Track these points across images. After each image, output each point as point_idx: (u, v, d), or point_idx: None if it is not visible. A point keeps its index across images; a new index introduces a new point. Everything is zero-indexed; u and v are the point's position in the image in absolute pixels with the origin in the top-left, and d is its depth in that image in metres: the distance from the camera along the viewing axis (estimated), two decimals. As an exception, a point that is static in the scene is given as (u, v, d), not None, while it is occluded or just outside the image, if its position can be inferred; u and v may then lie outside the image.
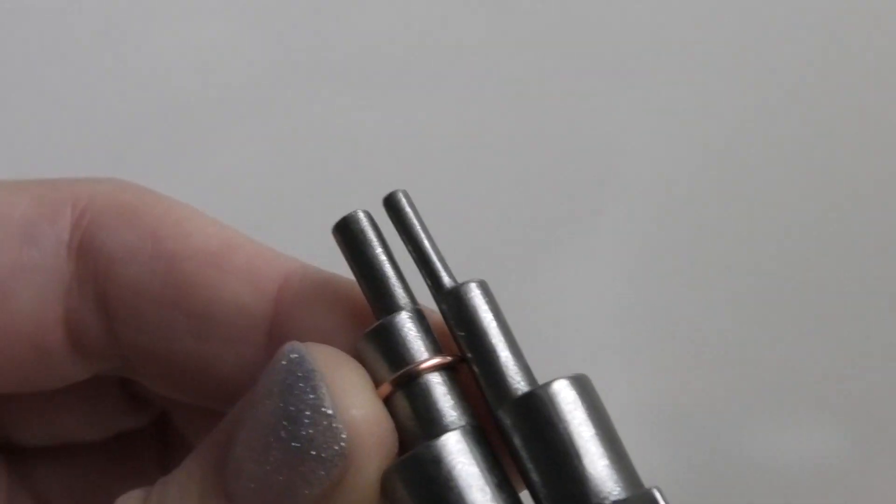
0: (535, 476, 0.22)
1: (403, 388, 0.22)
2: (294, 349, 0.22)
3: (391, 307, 0.23)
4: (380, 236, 0.24)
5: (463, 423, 0.22)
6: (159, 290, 0.25)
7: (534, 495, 0.22)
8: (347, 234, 0.24)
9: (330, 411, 0.21)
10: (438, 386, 0.22)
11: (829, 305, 0.57)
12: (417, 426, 0.22)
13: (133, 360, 0.26)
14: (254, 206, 0.53)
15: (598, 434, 0.22)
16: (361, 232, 0.23)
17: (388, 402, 0.23)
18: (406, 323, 0.23)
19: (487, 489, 0.21)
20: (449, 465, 0.21)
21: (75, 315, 0.26)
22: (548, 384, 0.22)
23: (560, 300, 0.57)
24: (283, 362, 0.22)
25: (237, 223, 0.26)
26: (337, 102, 0.55)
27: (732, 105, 0.56)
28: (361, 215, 0.24)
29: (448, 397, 0.22)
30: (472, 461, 0.22)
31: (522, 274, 0.56)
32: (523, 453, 0.22)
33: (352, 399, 0.22)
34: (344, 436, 0.21)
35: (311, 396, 0.21)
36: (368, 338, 0.23)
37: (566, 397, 0.22)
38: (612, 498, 0.21)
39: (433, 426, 0.22)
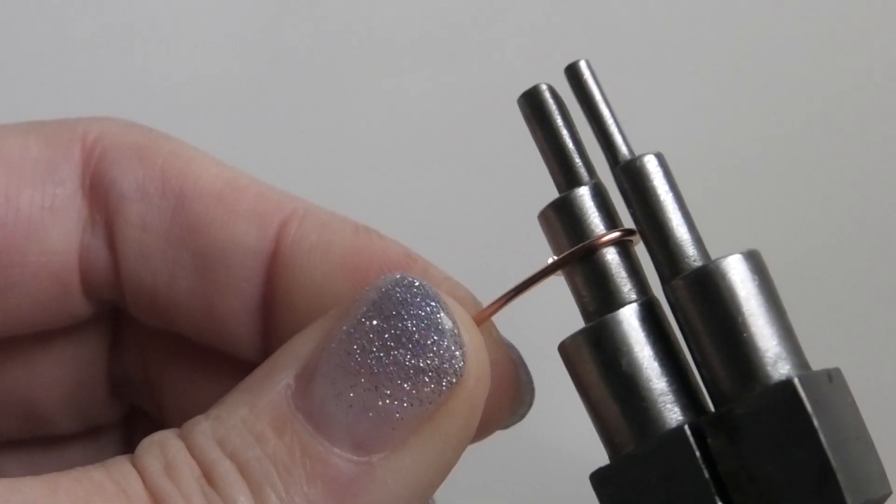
0: (702, 347, 0.22)
1: (581, 261, 0.23)
2: (409, 276, 0.22)
3: (572, 181, 0.23)
4: (563, 110, 0.24)
5: (636, 296, 0.23)
6: (166, 228, 0.25)
7: (699, 366, 0.22)
8: (531, 105, 0.24)
9: (456, 330, 0.21)
10: (614, 260, 0.23)
11: (830, 306, 0.57)
12: (595, 299, 0.23)
13: (134, 297, 0.26)
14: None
15: (767, 308, 0.22)
16: (545, 104, 0.24)
17: (567, 274, 0.23)
18: (585, 197, 0.23)
19: (656, 361, 0.22)
20: (623, 338, 0.22)
21: (87, 252, 0.26)
22: (721, 258, 0.22)
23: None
24: (402, 283, 0.21)
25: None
26: (333, 100, 0.55)
27: (738, 103, 0.57)
28: (545, 88, 0.24)
29: (623, 271, 0.23)
30: (644, 334, 0.22)
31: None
32: (693, 325, 0.22)
33: (464, 325, 0.22)
34: (461, 354, 0.21)
35: (439, 315, 0.21)
36: (550, 210, 0.23)
37: (738, 271, 0.22)
38: (778, 375, 0.21)
39: (609, 299, 0.23)
